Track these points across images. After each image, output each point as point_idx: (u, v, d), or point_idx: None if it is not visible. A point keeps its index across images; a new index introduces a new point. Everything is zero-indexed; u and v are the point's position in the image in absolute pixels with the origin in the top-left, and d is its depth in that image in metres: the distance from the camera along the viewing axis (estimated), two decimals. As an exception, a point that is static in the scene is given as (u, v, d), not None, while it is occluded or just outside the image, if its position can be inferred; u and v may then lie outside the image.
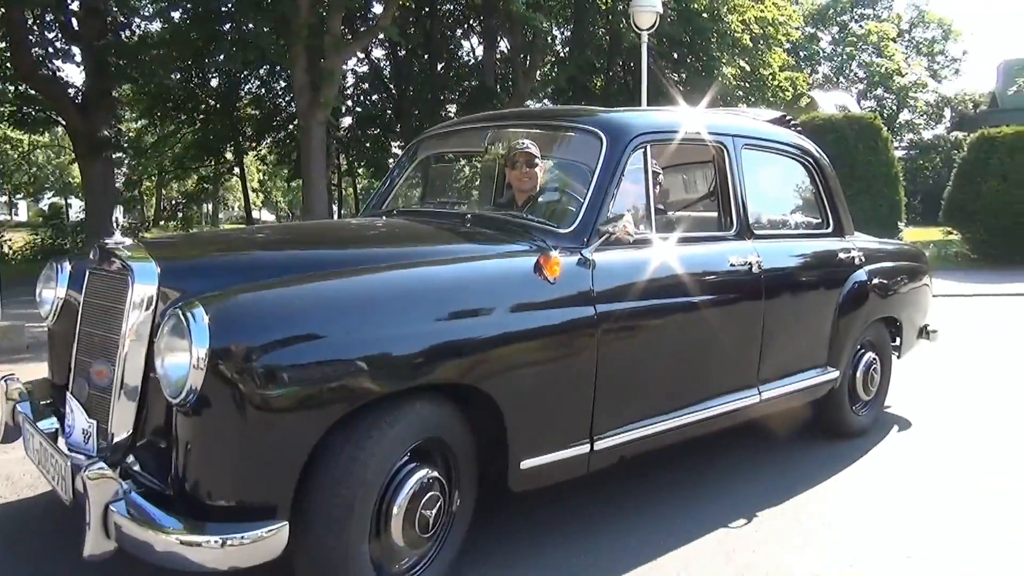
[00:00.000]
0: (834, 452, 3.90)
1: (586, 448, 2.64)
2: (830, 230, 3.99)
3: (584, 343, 2.58)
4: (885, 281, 4.17)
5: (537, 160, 3.41)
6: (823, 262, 3.83)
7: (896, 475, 3.62)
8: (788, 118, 4.08)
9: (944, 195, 14.24)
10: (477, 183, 4.72)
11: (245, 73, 23.08)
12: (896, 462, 3.78)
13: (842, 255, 3.90)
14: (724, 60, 20.54)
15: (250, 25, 14.15)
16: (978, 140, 13.67)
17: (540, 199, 3.30)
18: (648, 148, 3.01)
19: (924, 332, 4.72)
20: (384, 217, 3.58)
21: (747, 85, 22.82)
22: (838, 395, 3.94)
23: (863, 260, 3.98)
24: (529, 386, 2.44)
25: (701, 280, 3.06)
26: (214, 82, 24.23)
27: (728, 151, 3.38)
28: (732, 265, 3.21)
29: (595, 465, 2.71)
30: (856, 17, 38.60)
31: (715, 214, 3.46)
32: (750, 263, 3.27)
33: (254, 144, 26.93)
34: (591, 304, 2.61)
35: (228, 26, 16.90)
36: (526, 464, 2.45)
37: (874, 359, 4.17)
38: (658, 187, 3.61)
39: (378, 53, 25.57)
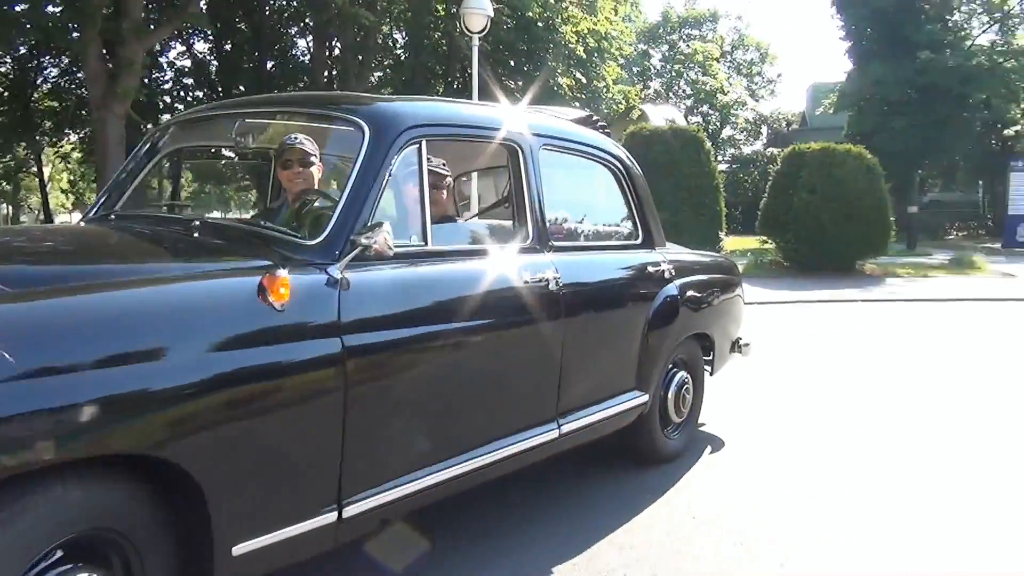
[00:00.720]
0: (644, 482, 3.59)
1: (332, 517, 2.09)
2: (639, 241, 3.69)
3: (326, 385, 2.04)
4: (697, 295, 3.94)
5: (313, 158, 2.88)
6: (631, 276, 3.51)
7: (712, 501, 3.35)
8: (595, 118, 3.74)
9: (760, 206, 14.94)
10: (246, 182, 4.06)
11: (40, 60, 20.65)
12: (711, 486, 3.53)
13: (651, 268, 3.60)
14: (560, 70, 20.75)
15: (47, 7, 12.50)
16: (789, 155, 14.45)
17: (318, 203, 2.75)
18: (423, 144, 2.53)
19: (737, 346, 4.57)
20: (103, 222, 2.86)
21: (583, 96, 23.24)
22: (648, 420, 3.64)
23: (673, 273, 3.71)
24: (242, 449, 1.86)
25: (486, 300, 2.60)
26: (2, 68, 21.51)
27: (523, 151, 2.96)
28: (526, 281, 2.78)
29: (346, 536, 2.17)
30: (684, 37, 40.72)
31: (510, 223, 3.03)
32: (547, 279, 2.86)
33: (54, 140, 24.20)
34: (337, 336, 2.07)
35: (20, 7, 14.94)
36: (241, 549, 1.87)
37: (686, 378, 3.92)
38: (445, 191, 3.15)
39: (202, 47, 23.83)
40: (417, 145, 2.50)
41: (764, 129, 41.92)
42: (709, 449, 4.13)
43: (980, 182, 32.17)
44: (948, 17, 29.24)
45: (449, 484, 2.44)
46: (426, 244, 2.49)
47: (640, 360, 3.47)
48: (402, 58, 21.85)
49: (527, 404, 2.83)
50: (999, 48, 28.86)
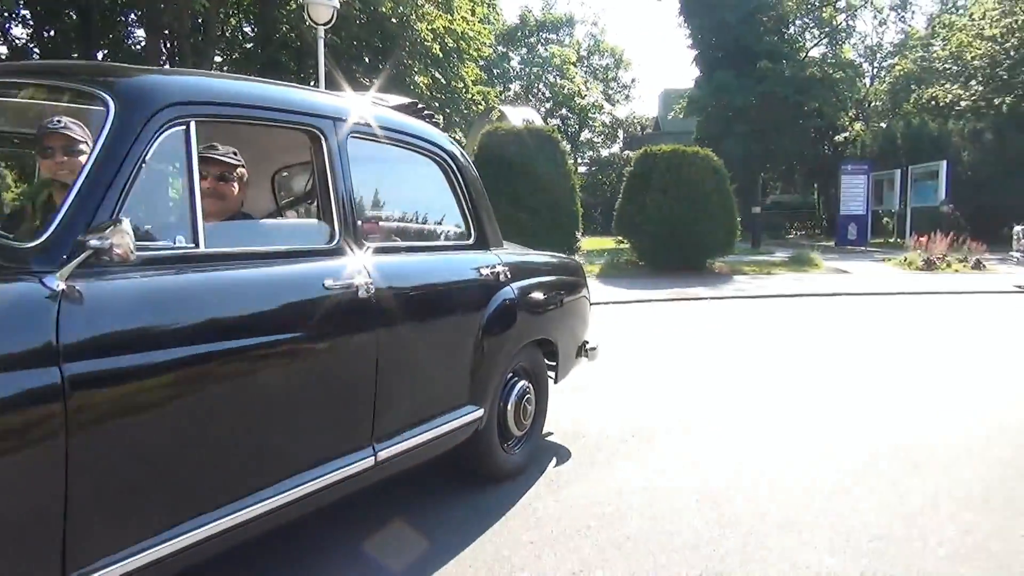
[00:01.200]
0: (480, 504, 3.29)
1: (54, 594, 1.63)
2: (470, 242, 3.38)
3: (39, 428, 1.59)
4: (538, 298, 3.69)
5: (82, 145, 2.41)
6: (460, 280, 3.19)
7: (552, 523, 3.09)
8: (421, 106, 3.39)
9: (615, 207, 15.18)
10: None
11: None
12: (553, 506, 3.28)
13: (484, 271, 3.31)
14: (417, 69, 20.33)
15: None
16: (641, 157, 14.75)
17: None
18: (192, 125, 2.09)
19: (583, 350, 4.37)
20: None
21: (442, 96, 22.93)
22: (486, 435, 3.35)
23: (509, 276, 3.43)
24: None
25: (274, 312, 2.20)
26: None
27: (327, 138, 2.58)
28: (328, 288, 2.40)
29: (79, 618, 1.72)
30: (542, 40, 41.29)
31: (315, 221, 2.64)
32: (355, 284, 2.49)
33: None
34: (53, 364, 1.61)
35: None
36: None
37: (528, 387, 3.66)
38: (236, 184, 2.71)
39: (21, 32, 21.60)
40: (184, 127, 2.07)
41: (621, 133, 43.24)
42: (554, 462, 3.89)
43: (816, 185, 34.58)
44: (784, 30, 31.22)
45: (226, 536, 2.02)
46: (197, 247, 2.06)
47: (474, 371, 3.16)
48: (250, 51, 20.67)
49: (331, 431, 2.45)
50: (829, 60, 31.14)
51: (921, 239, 16.66)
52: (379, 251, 2.72)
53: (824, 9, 31.75)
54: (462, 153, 3.48)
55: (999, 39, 24.13)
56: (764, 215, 23.96)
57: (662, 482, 3.61)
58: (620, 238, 15.93)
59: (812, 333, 8.03)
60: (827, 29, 32.30)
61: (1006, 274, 14.68)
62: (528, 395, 3.64)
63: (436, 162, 3.25)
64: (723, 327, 8.44)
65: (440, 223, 3.43)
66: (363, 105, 2.88)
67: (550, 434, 4.33)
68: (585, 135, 42.55)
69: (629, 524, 3.12)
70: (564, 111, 40.16)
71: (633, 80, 46.14)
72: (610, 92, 43.20)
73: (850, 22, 32.64)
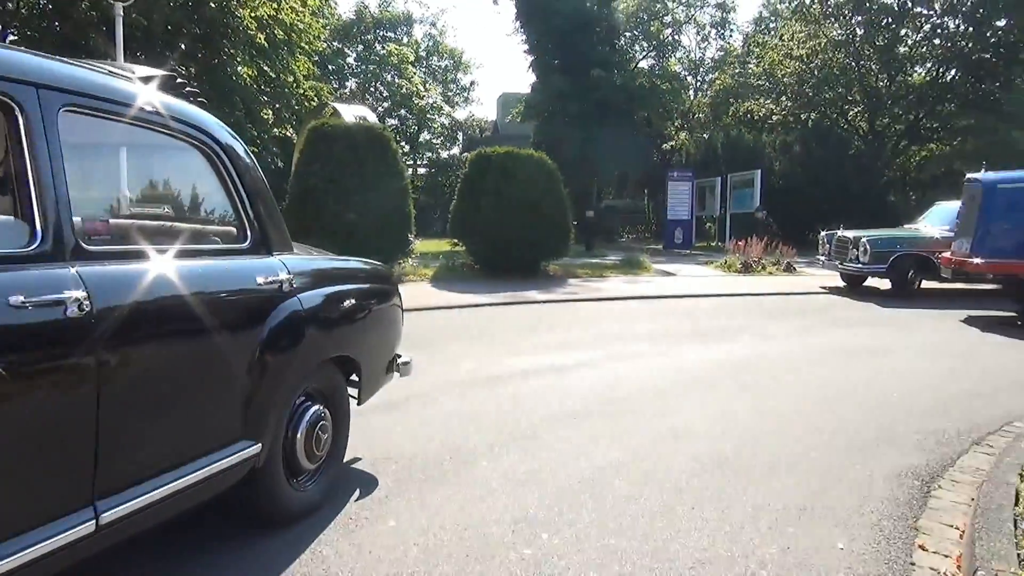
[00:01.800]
0: (261, 553, 2.77)
1: None
2: (246, 245, 2.85)
3: None
4: (334, 311, 3.21)
5: None
6: (227, 290, 2.65)
7: (351, 570, 2.63)
8: (180, 81, 2.80)
9: (451, 209, 14.86)
10: None
11: None
12: (351, 549, 2.81)
13: (263, 279, 2.78)
14: (240, 59, 19.01)
15: None
16: (476, 158, 14.50)
17: None
18: None
19: (394, 366, 3.93)
20: None
21: (270, 90, 21.65)
22: (266, 473, 2.83)
23: (297, 285, 2.94)
24: None
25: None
26: None
27: (24, 110, 1.98)
28: (16, 306, 1.81)
29: None
30: (380, 38, 40.36)
31: (9, 218, 2.02)
32: (65, 300, 1.92)
33: None
34: None
35: None
36: None
37: (323, 413, 3.17)
38: None
39: None
40: None
41: (460, 135, 43.13)
42: (357, 494, 3.42)
43: (646, 190, 36.07)
44: (616, 41, 32.31)
45: None
46: None
47: (249, 400, 2.64)
48: (44, 28, 18.46)
49: (27, 490, 1.86)
50: (657, 72, 32.60)
51: (739, 243, 17.62)
52: (105, 257, 2.15)
53: (652, 23, 33.24)
54: (235, 137, 2.93)
55: (805, 59, 26.23)
56: (598, 219, 24.55)
57: (479, 511, 3.25)
58: (455, 240, 15.63)
59: (640, 337, 8.05)
60: (655, 43, 33.83)
61: (812, 276, 15.79)
62: (323, 421, 3.16)
63: (200, 150, 2.69)
64: (554, 332, 8.29)
65: (204, 223, 2.88)
66: (85, 72, 2.28)
67: (357, 460, 3.86)
68: (424, 136, 42.05)
69: (436, 570, 2.72)
70: (403, 111, 39.44)
71: (472, 83, 46.11)
72: (449, 94, 42.96)
73: (676, 37, 34.41)
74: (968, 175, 10.58)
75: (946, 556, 2.96)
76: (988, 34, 24.14)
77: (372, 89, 39.26)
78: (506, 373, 6.04)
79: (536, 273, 14.27)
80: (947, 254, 10.65)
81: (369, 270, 3.79)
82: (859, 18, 25.76)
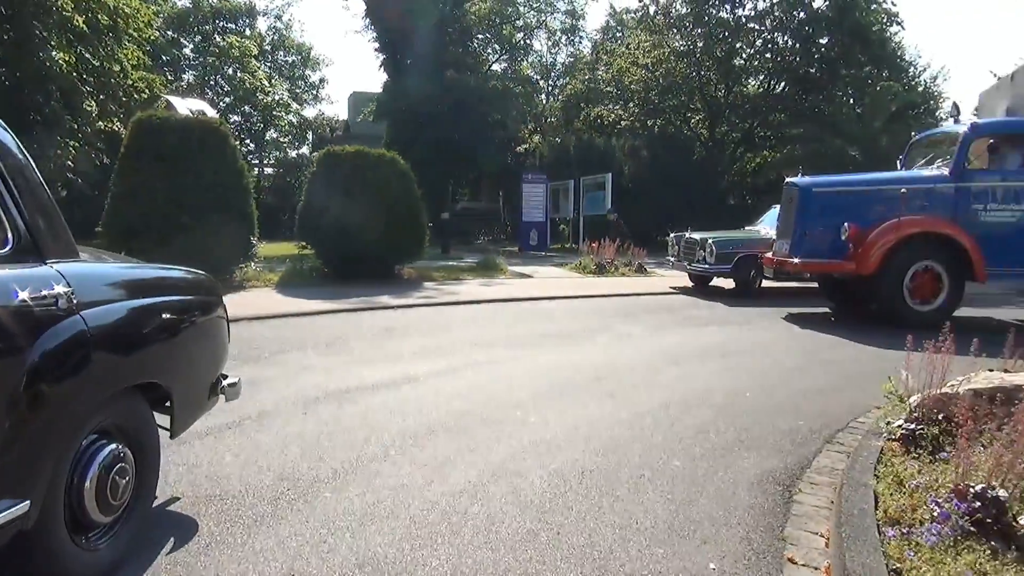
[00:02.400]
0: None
1: None
2: (6, 251, 2.27)
3: None
4: (133, 330, 2.68)
5: None
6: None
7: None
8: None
9: (298, 210, 14.06)
10: None
11: None
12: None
13: (28, 294, 2.22)
14: (54, 43, 17.16)
15: None
16: (324, 157, 13.79)
17: None
18: None
19: (218, 389, 3.40)
20: None
21: (93, 79, 19.73)
22: (42, 534, 2.27)
23: (81, 300, 2.39)
24: None
25: None
26: None
27: None
28: None
29: None
30: (220, 29, 38.10)
31: None
32: None
33: None
34: None
35: None
36: None
37: (122, 452, 2.62)
38: None
39: None
40: None
41: (310, 134, 41.55)
42: (169, 545, 2.88)
43: (501, 192, 36.23)
44: (469, 43, 32.26)
45: None
46: None
47: (9, 447, 2.08)
48: None
49: None
50: (510, 75, 32.84)
51: (593, 245, 17.89)
52: None
53: (504, 27, 33.41)
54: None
55: (651, 68, 27.21)
56: (454, 221, 24.29)
57: (317, 557, 2.82)
58: (304, 243, 14.81)
59: (497, 342, 7.79)
60: (507, 46, 34.05)
61: (663, 277, 16.28)
62: (123, 463, 2.61)
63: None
64: (408, 339, 7.88)
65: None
66: None
67: (174, 501, 3.31)
68: (271, 135, 40.15)
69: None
70: (247, 108, 37.39)
71: (322, 80, 44.57)
72: (297, 91, 41.26)
73: (528, 41, 34.80)
74: (787, 179, 10.99)
75: (815, 568, 2.85)
76: (813, 51, 26.04)
77: (212, 83, 36.97)
78: (355, 386, 5.57)
79: (390, 277, 13.75)
80: (769, 254, 11.08)
81: (184, 279, 3.24)
82: (699, 31, 27.03)
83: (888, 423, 4.27)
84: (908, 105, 25.31)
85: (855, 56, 25.45)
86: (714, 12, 26.77)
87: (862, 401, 5.25)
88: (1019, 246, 9.44)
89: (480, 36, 33.63)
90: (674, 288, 13.88)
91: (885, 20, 25.65)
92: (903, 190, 9.33)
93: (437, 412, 4.89)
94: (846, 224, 9.50)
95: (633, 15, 33.00)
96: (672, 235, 14.89)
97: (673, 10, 27.40)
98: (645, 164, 26.66)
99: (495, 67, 34.03)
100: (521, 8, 33.37)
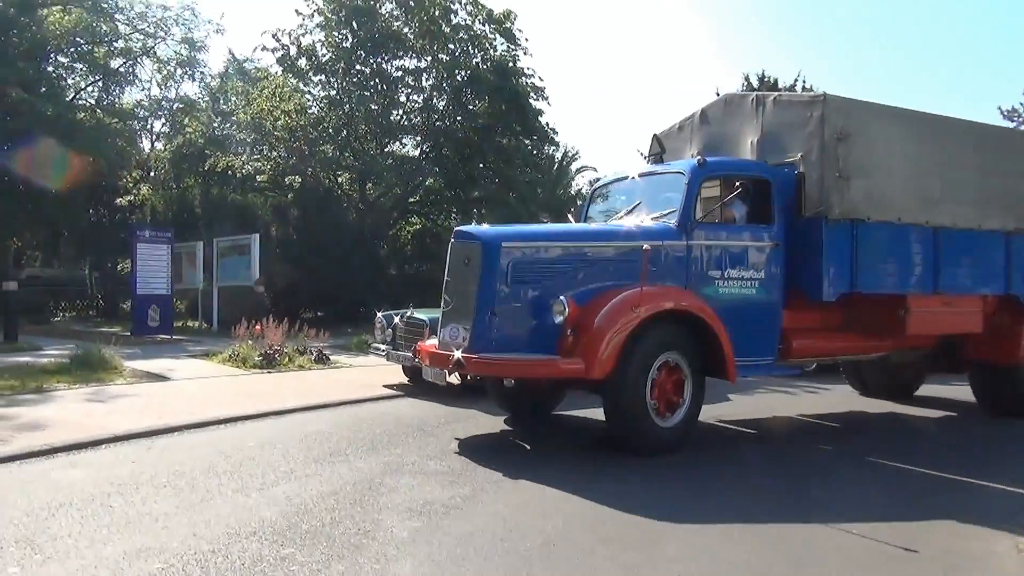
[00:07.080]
0: None
1: None
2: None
3: None
4: None
5: None
6: None
7: None
8: None
9: None
10: None
11: None
12: None
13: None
14: None
15: None
16: None
17: None
18: None
19: None
20: None
21: None
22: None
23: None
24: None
25: None
26: None
27: None
28: None
29: None
30: None
31: None
32: None
33: None
34: None
35: None
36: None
37: None
38: None
39: None
40: None
41: None
42: None
43: (88, 257, 28.12)
44: (43, 61, 24.54)
45: None
46: None
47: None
48: None
49: None
50: (104, 105, 25.70)
51: (256, 327, 12.78)
52: None
53: (95, 49, 26.17)
54: None
55: (295, 114, 22.92)
56: (22, 294, 16.83)
57: None
58: None
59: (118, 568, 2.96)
60: (101, 73, 26.74)
61: (359, 368, 12.04)
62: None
63: None
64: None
65: None
66: None
67: None
68: None
69: None
70: None
71: None
72: None
73: (132, 69, 27.80)
74: (457, 228, 7.34)
75: None
76: (469, 117, 24.34)
77: None
78: None
79: None
80: (431, 342, 7.32)
81: None
82: (352, 80, 23.67)
83: None
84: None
85: (511, 124, 24.33)
86: (370, 61, 23.68)
87: None
88: (761, 325, 7.13)
89: (60, 57, 25.93)
90: (390, 387, 9.88)
91: (532, 94, 25.11)
92: (646, 246, 6.31)
93: None
94: (562, 298, 6.21)
95: (256, 65, 28.49)
96: (380, 315, 10.83)
97: (317, 55, 23.69)
98: (298, 225, 22.08)
99: (87, 98, 26.52)
100: (122, 28, 26.46)
